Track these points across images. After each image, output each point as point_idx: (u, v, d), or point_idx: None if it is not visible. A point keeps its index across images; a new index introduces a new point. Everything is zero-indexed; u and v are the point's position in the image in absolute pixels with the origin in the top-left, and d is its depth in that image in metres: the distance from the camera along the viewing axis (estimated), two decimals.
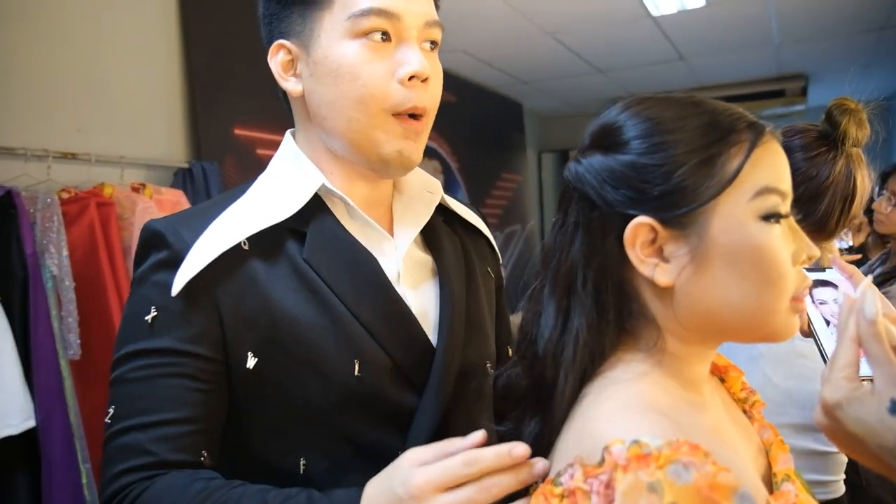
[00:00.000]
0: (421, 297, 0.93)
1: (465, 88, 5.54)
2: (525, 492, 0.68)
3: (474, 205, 1.16)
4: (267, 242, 0.85)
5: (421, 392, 0.88)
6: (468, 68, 5.27)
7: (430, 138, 0.86)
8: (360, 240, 0.90)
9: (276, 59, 0.90)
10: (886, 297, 1.03)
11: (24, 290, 1.97)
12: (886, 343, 0.61)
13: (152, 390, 0.79)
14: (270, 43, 0.91)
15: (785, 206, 0.67)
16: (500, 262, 1.14)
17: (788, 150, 1.36)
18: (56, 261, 2.07)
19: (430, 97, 0.88)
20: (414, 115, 0.87)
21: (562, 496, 0.59)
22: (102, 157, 2.46)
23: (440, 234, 0.99)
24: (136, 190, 2.47)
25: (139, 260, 0.86)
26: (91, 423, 2.08)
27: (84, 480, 2.03)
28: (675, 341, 0.70)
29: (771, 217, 0.66)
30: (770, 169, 0.67)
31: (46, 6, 2.42)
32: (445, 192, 1.04)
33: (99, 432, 2.08)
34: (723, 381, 0.85)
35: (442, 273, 0.95)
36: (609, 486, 0.56)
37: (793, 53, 5.42)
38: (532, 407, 0.72)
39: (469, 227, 1.06)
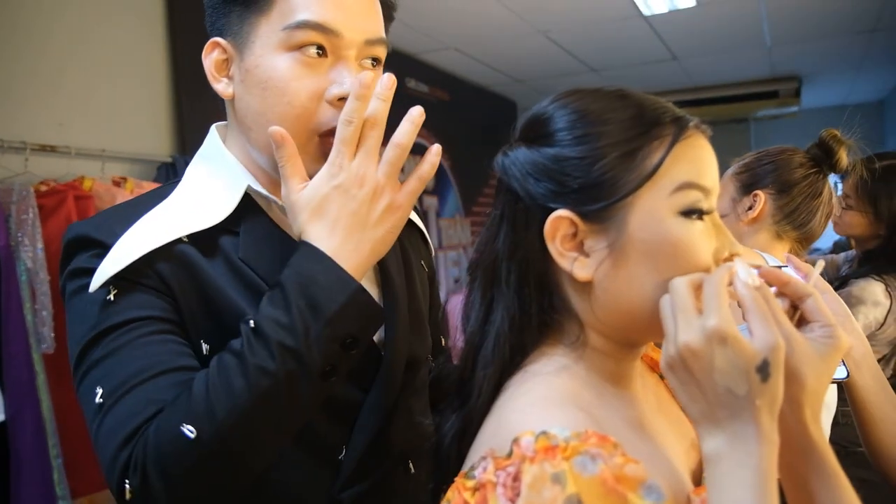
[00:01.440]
0: (375, 292, 0.92)
1: (457, 86, 5.53)
2: None
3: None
4: (204, 240, 0.83)
5: (365, 387, 0.87)
6: (461, 66, 5.26)
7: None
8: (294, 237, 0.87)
9: (211, 57, 0.86)
10: (841, 296, 1.04)
11: None
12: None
13: (141, 350, 0.75)
14: (210, 37, 0.88)
15: (708, 202, 0.66)
16: (433, 253, 1.14)
17: (788, 165, 1.43)
18: (31, 253, 2.06)
19: None
20: None
21: (474, 489, 0.58)
22: (83, 151, 2.45)
23: None
24: (116, 184, 2.46)
25: (64, 263, 0.82)
26: (64, 418, 2.07)
27: (55, 476, 2.02)
28: (596, 336, 0.69)
29: (692, 213, 0.64)
30: (692, 164, 0.65)
31: (22, 2, 2.41)
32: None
33: (73, 426, 2.08)
34: (662, 377, 0.84)
35: (383, 272, 0.94)
36: (517, 478, 0.55)
37: (786, 55, 5.42)
38: (456, 400, 0.71)
39: (410, 225, 1.06)
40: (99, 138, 2.56)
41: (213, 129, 0.94)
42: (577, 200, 0.65)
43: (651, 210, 0.64)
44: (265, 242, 0.86)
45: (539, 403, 0.62)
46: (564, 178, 0.66)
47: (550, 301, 0.70)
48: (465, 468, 0.62)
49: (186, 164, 2.78)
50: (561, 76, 5.69)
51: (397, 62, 4.73)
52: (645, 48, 5.03)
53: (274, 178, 0.85)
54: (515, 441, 0.57)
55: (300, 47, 0.80)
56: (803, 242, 1.49)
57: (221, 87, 0.87)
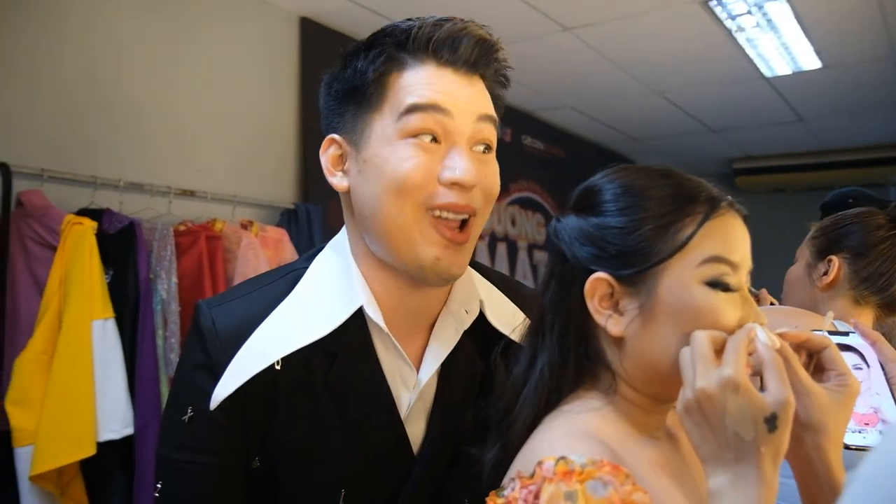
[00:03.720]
0: (423, 423, 0.94)
1: (573, 144, 5.62)
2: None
3: None
4: (296, 360, 0.87)
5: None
6: (577, 124, 5.35)
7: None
8: (386, 362, 0.90)
9: (327, 154, 0.91)
10: None
11: (135, 311, 2.21)
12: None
13: (191, 485, 0.87)
14: (326, 135, 0.92)
15: (735, 277, 0.72)
16: None
17: (866, 228, 1.39)
18: (166, 286, 2.30)
19: (476, 199, 0.86)
20: (456, 221, 0.85)
21: None
22: (217, 195, 2.72)
23: (458, 363, 0.95)
24: (244, 226, 2.70)
25: (189, 335, 0.91)
26: None
27: None
28: (626, 388, 0.76)
29: (716, 284, 0.70)
30: (722, 240, 0.72)
31: (174, 61, 2.74)
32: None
33: None
34: None
35: (435, 410, 0.94)
36: (537, 496, 0.62)
37: None
38: (497, 433, 0.79)
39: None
40: (231, 185, 2.84)
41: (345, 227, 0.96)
42: (615, 265, 0.73)
43: (679, 278, 0.71)
44: (356, 374, 0.89)
45: (564, 435, 0.70)
46: (605, 244, 0.74)
47: (587, 352, 0.77)
48: (498, 489, 0.69)
49: (307, 210, 3.00)
50: (679, 136, 5.65)
51: (514, 120, 4.88)
52: (768, 109, 4.92)
53: (391, 274, 0.89)
54: (539, 464, 0.64)
55: (415, 135, 0.83)
56: (886, 308, 1.41)
57: (336, 180, 0.90)
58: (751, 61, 3.92)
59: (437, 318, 0.95)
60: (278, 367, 0.86)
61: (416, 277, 0.87)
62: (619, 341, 0.74)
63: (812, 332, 0.72)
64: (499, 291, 1.03)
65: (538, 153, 5.14)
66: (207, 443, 0.86)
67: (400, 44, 0.86)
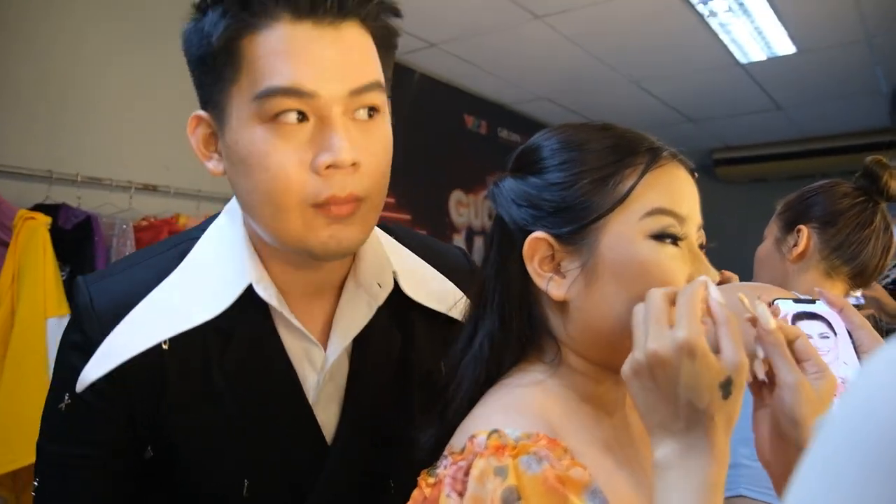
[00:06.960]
0: (336, 406, 0.86)
1: None
2: None
3: None
4: (187, 340, 0.78)
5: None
6: (553, 116, 5.30)
7: None
8: (288, 340, 0.82)
9: (197, 134, 0.79)
10: None
11: None
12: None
13: (70, 480, 0.78)
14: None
15: (683, 228, 0.67)
16: None
17: (833, 196, 1.35)
18: None
19: (361, 182, 0.73)
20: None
21: (433, 485, 0.60)
22: (181, 190, 2.65)
23: (373, 338, 0.87)
24: None
25: (72, 315, 0.82)
26: None
27: None
28: (573, 356, 0.70)
29: (663, 237, 0.65)
30: (666, 192, 0.67)
31: (134, 52, 2.66)
32: None
33: None
34: None
35: (350, 391, 0.85)
36: (467, 472, 0.57)
37: None
38: (436, 414, 0.73)
39: (435, 315, 0.91)
40: (196, 179, 2.76)
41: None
42: (553, 223, 0.68)
43: (621, 233, 0.66)
44: (253, 355, 0.80)
45: (501, 409, 0.64)
46: (542, 202, 0.69)
47: (529, 320, 0.72)
48: (430, 467, 0.63)
49: None
50: (657, 126, 5.55)
51: (489, 112, 4.84)
52: (745, 97, 4.91)
53: (284, 252, 0.79)
54: (471, 438, 0.59)
55: (275, 116, 0.70)
56: (857, 279, 1.37)
57: (212, 164, 0.79)
58: (725, 47, 3.89)
59: (343, 284, 0.86)
60: (165, 347, 0.77)
61: (314, 258, 0.78)
62: (562, 306, 0.69)
63: (781, 321, 0.66)
64: (416, 257, 0.94)
65: (515, 146, 5.05)
66: (86, 432, 0.77)
67: None
